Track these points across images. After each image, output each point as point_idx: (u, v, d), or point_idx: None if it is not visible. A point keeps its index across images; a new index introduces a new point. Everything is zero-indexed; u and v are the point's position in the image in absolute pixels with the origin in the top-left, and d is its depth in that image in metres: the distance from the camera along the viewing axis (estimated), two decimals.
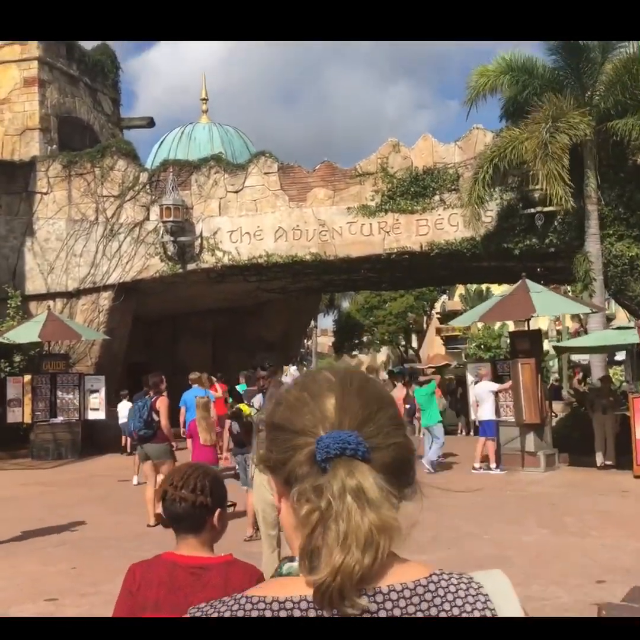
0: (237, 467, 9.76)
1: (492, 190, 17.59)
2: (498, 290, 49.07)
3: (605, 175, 17.20)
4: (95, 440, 19.79)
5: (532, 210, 17.68)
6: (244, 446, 9.14)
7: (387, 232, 19.20)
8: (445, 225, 18.80)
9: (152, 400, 9.82)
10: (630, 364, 13.00)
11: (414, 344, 60.56)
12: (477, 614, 1.03)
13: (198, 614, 1.05)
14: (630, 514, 9.55)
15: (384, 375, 39.82)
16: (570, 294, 17.77)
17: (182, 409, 14.06)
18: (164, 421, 9.68)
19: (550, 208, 17.31)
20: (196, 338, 25.94)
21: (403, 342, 59.80)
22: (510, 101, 18.21)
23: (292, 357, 34.30)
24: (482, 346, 38.54)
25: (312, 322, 40.29)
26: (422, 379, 15.69)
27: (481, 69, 17.47)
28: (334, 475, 1.01)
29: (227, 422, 10.49)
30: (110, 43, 26.69)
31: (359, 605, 0.99)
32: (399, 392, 17.85)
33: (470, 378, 15.10)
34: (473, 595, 1.04)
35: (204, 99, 27.30)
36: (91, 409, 19.21)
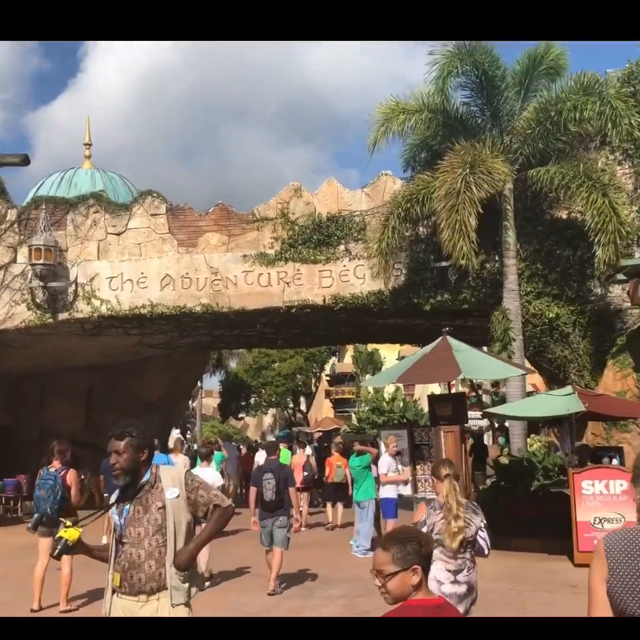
0: (261, 530, 9.92)
1: (402, 239, 16.16)
2: (389, 351, 48.27)
3: (522, 229, 16.04)
4: None
5: (445, 263, 16.29)
6: (273, 511, 9.71)
7: (287, 283, 17.39)
8: (351, 277, 17.18)
9: (62, 474, 9.16)
10: (568, 434, 11.56)
11: (303, 407, 58.84)
12: None
13: None
14: None
15: (272, 438, 37.58)
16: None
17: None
18: (76, 498, 9.25)
19: (464, 262, 16.01)
20: (68, 398, 23.13)
21: (291, 405, 58.00)
22: (421, 145, 16.96)
23: (176, 420, 31.80)
24: (376, 410, 37.15)
25: (198, 383, 37.82)
26: (357, 447, 13.81)
27: (393, 101, 16.07)
28: None
29: (252, 489, 10.41)
30: None
31: None
32: (299, 458, 17.20)
33: (382, 448, 13.28)
34: None
35: (87, 144, 25.05)
36: None
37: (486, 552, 5.20)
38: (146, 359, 22.94)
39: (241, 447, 28.06)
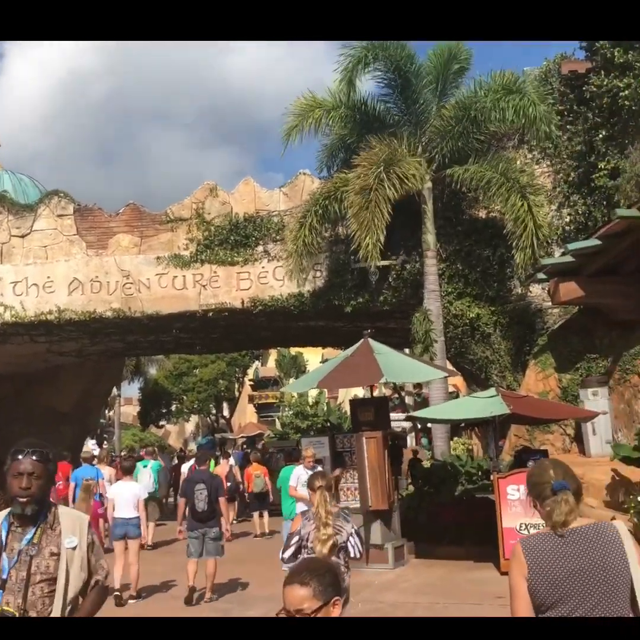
0: (189, 540, 10.07)
1: (321, 240, 15.69)
2: (312, 355, 47.91)
3: (442, 229, 15.77)
4: None
5: (365, 264, 15.89)
6: (205, 522, 9.85)
7: (204, 286, 16.75)
8: (270, 279, 16.66)
9: None
10: (492, 437, 11.25)
11: (226, 412, 57.90)
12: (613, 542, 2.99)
13: None
14: None
15: (193, 446, 36.60)
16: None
17: (72, 485, 13.50)
18: None
19: (385, 262, 15.71)
20: None
21: (214, 411, 56.98)
22: (339, 144, 16.54)
23: (91, 430, 30.63)
24: (300, 414, 36.63)
25: (115, 390, 36.62)
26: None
27: (310, 96, 15.59)
28: (560, 495, 3.05)
29: (181, 500, 10.46)
30: None
31: (560, 532, 2.99)
32: (222, 469, 16.87)
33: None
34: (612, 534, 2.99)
35: None
36: None
37: (358, 556, 5.67)
38: (57, 367, 21.91)
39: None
